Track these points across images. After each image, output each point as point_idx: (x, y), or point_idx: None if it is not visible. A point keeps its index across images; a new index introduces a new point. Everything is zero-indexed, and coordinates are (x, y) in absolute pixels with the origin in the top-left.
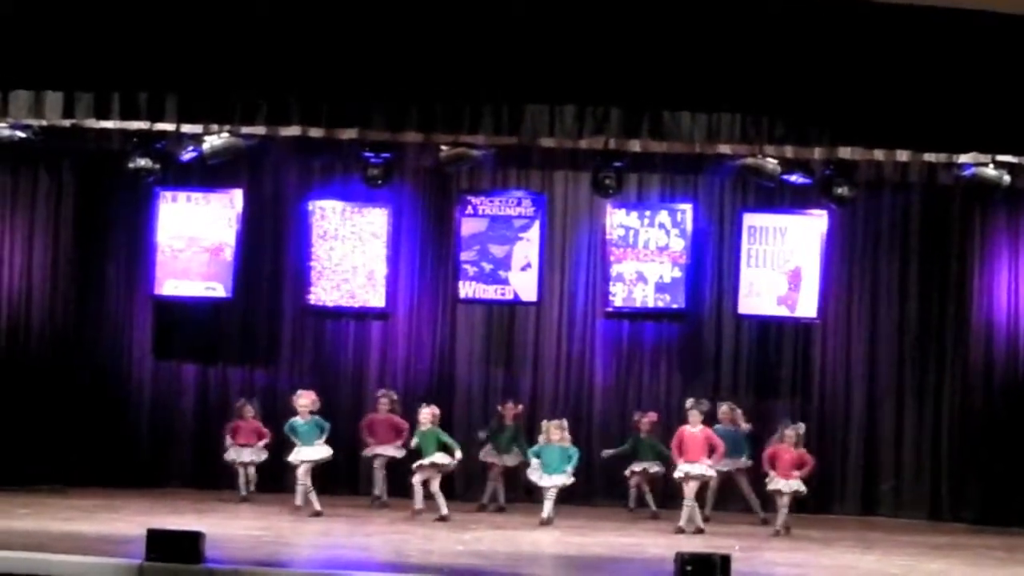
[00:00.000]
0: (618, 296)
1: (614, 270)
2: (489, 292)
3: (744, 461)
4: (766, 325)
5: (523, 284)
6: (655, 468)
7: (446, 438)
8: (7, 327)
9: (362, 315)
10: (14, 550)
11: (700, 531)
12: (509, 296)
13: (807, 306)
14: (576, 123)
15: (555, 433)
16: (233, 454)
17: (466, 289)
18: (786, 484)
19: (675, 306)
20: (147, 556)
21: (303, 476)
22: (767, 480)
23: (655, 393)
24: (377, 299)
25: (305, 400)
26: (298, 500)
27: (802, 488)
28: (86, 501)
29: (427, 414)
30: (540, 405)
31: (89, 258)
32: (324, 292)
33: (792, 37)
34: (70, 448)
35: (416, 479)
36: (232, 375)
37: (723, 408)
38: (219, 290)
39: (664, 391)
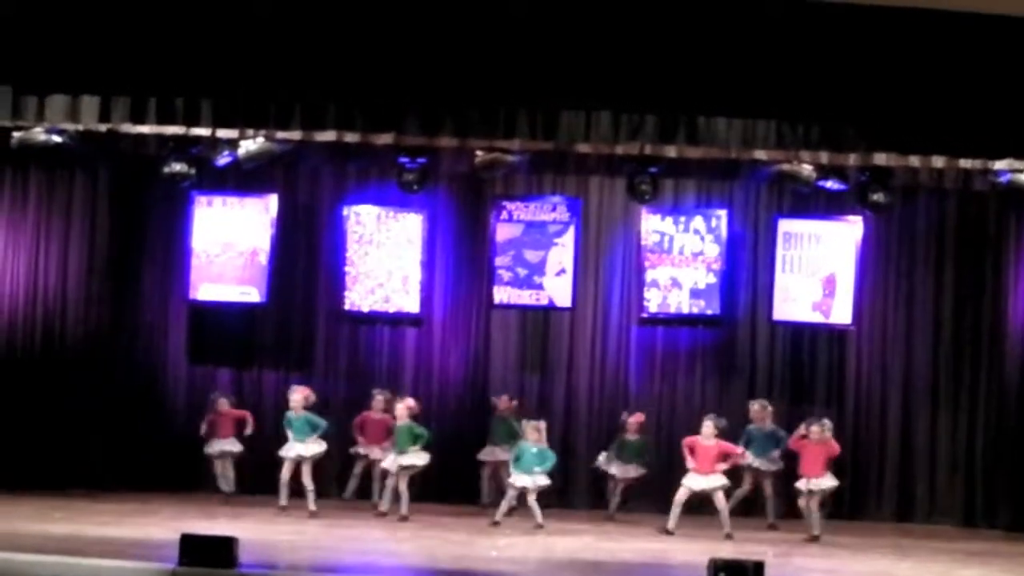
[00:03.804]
0: (653, 302)
1: (649, 276)
2: (524, 297)
3: (777, 460)
4: (800, 331)
5: (558, 290)
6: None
7: (419, 430)
8: (43, 331)
9: (397, 320)
10: (48, 554)
11: (669, 533)
12: (544, 302)
13: (842, 312)
14: (612, 129)
15: (531, 434)
16: (209, 447)
17: (501, 294)
18: (815, 483)
19: (710, 312)
20: (180, 561)
21: (287, 473)
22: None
23: (689, 399)
24: (412, 304)
25: (297, 396)
26: (283, 499)
27: (831, 484)
28: (120, 505)
29: (403, 408)
30: (574, 411)
31: (124, 262)
32: (359, 297)
33: (828, 43)
34: (105, 452)
35: (390, 482)
36: (267, 380)
37: (755, 406)
38: (254, 295)
39: (698, 397)
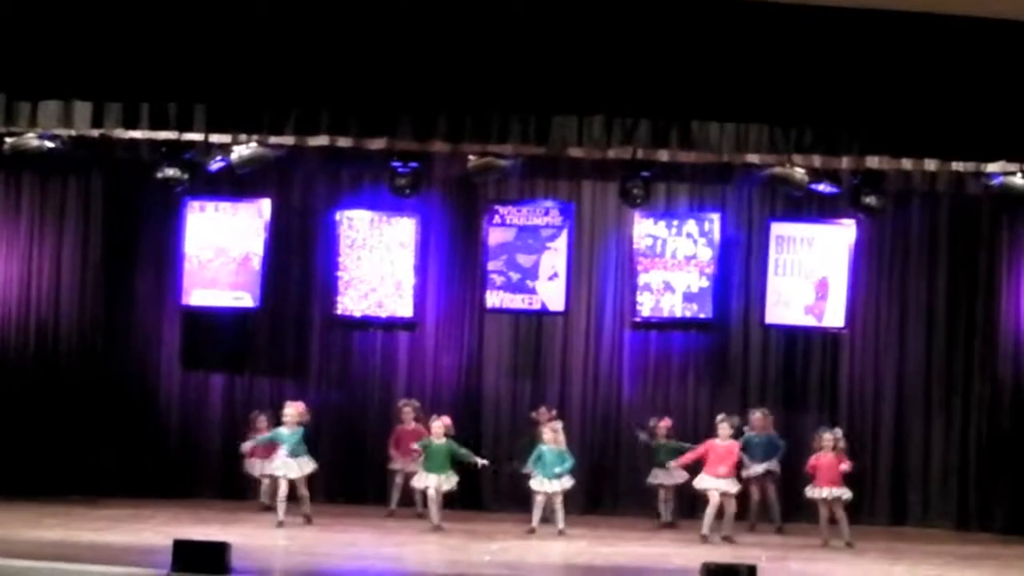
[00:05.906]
0: (645, 306)
1: (641, 280)
2: (516, 302)
3: (776, 465)
4: (793, 335)
5: (550, 294)
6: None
7: (461, 451)
8: (36, 336)
9: (390, 325)
10: (43, 560)
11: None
12: (536, 306)
13: (835, 315)
14: (604, 133)
15: (548, 434)
16: (254, 467)
17: (493, 299)
18: (828, 492)
19: (702, 316)
20: (173, 566)
21: (284, 491)
22: (808, 488)
23: (682, 403)
24: (405, 309)
25: (291, 411)
26: (281, 515)
27: (845, 494)
28: (114, 511)
29: (439, 426)
30: (568, 415)
31: (117, 268)
32: (352, 302)
33: (820, 47)
34: (98, 458)
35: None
36: (260, 385)
37: (756, 414)
38: (247, 300)
39: (691, 401)
